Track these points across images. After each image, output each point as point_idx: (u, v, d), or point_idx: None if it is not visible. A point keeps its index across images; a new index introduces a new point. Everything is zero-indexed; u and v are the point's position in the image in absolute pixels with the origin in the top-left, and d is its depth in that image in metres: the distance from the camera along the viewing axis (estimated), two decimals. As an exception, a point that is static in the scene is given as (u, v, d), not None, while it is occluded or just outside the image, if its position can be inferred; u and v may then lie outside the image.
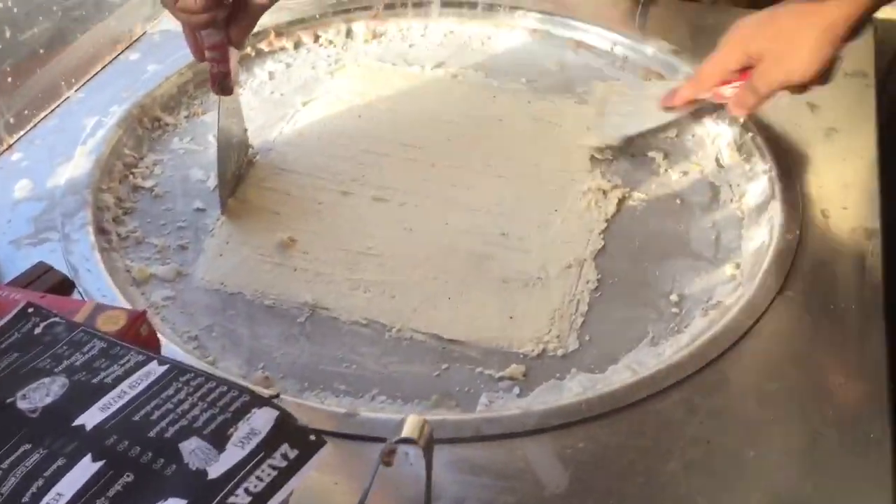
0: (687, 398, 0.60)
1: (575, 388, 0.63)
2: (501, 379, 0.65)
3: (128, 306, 0.65)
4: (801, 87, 0.77)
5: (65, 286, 0.67)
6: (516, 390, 0.64)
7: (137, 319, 0.57)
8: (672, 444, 0.57)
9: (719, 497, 0.55)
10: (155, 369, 0.53)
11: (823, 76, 0.75)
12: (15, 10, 0.78)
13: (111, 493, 0.45)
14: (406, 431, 0.44)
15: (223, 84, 0.77)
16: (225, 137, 0.79)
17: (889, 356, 0.63)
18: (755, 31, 0.77)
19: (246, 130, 0.85)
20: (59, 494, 0.45)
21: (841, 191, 0.77)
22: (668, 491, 0.55)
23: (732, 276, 0.72)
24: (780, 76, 0.75)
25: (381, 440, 0.54)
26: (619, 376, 0.64)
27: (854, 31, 0.73)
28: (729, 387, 0.61)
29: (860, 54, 0.94)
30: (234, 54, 0.76)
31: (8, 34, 0.78)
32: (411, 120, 0.91)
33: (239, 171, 0.82)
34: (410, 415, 0.46)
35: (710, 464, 0.56)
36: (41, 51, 0.83)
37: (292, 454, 0.49)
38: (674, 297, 0.71)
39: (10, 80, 0.79)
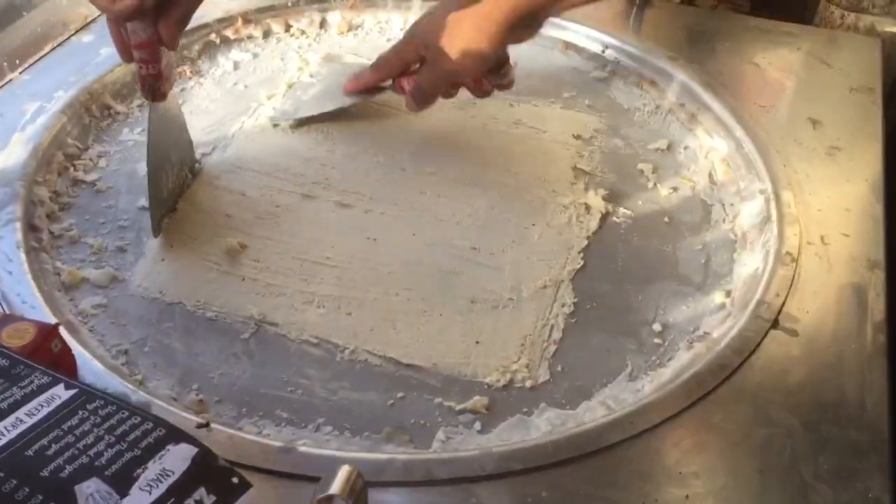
0: (666, 445, 0.54)
1: (542, 426, 0.57)
2: (462, 412, 0.58)
3: (48, 314, 0.59)
4: (477, 87, 0.76)
5: (-20, 289, 0.60)
6: (478, 425, 0.57)
7: (49, 334, 0.51)
8: (647, 495, 0.51)
9: (698, 560, 0.48)
10: (60, 394, 0.46)
11: (494, 73, 0.75)
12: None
13: (-16, 545, 0.38)
14: (334, 487, 0.38)
15: (153, 88, 0.68)
16: (158, 153, 0.70)
17: (890, 402, 0.57)
18: (428, 22, 0.74)
19: (191, 143, 0.76)
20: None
21: (842, 215, 0.71)
22: (640, 552, 0.49)
23: (722, 304, 0.66)
24: (439, 70, 0.73)
25: (319, 480, 0.48)
26: (592, 414, 0.57)
27: (521, 28, 0.72)
28: (713, 431, 0.55)
29: (866, 69, 0.89)
30: (166, 54, 0.67)
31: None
32: (382, 120, 0.84)
33: (181, 189, 0.73)
34: (343, 465, 0.39)
35: (689, 522, 0.50)
36: (-19, 28, 0.76)
37: (209, 500, 0.43)
38: (657, 327, 0.65)
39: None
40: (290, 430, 0.57)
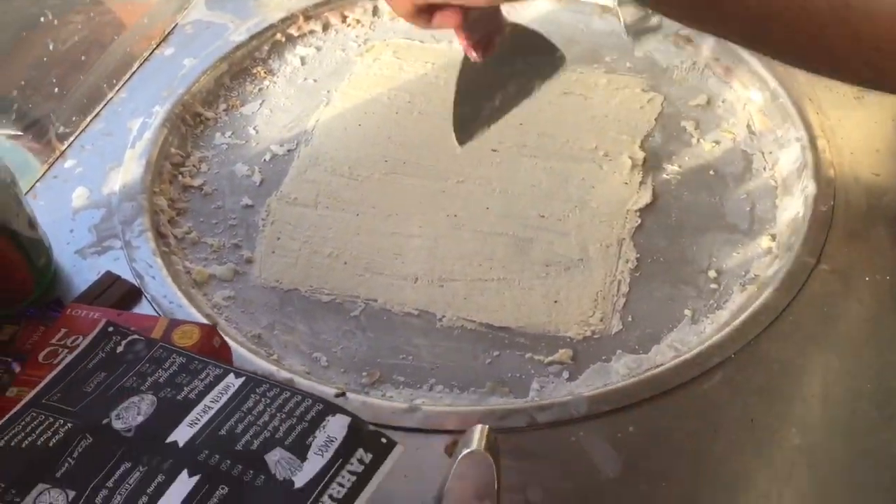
0: (730, 378, 0.64)
1: (621, 370, 0.67)
2: (551, 363, 0.68)
3: (193, 312, 0.69)
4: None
5: (133, 294, 0.71)
6: (565, 374, 0.67)
7: (210, 332, 0.61)
8: (718, 424, 0.61)
9: (765, 475, 0.58)
10: (233, 382, 0.57)
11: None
12: (55, 21, 0.80)
13: (211, 506, 0.49)
14: (476, 443, 0.48)
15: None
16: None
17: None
18: None
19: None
20: (164, 510, 0.49)
21: (873, 157, 0.79)
22: (717, 471, 0.59)
23: (768, 248, 0.75)
24: None
25: (443, 432, 0.59)
26: (662, 356, 0.67)
27: None
28: (771, 365, 0.64)
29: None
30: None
31: (51, 46, 0.80)
32: (443, 98, 0.92)
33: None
34: (477, 426, 0.49)
35: (756, 443, 0.60)
36: (83, 58, 0.85)
37: (367, 458, 0.53)
38: (712, 273, 0.74)
39: (56, 90, 0.82)
40: (408, 391, 0.67)
